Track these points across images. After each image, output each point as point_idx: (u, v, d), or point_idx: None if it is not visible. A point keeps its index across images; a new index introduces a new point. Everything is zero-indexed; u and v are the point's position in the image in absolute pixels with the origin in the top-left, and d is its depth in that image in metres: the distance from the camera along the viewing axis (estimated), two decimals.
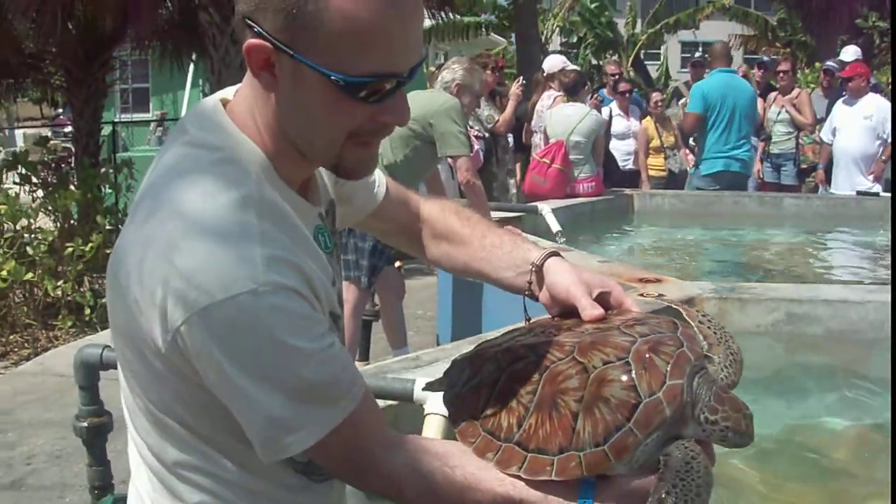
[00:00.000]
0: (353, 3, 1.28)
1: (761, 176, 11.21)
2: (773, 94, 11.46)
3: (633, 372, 1.45)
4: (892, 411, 2.97)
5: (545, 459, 1.44)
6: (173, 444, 1.46)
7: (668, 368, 1.45)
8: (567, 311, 1.67)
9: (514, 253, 1.80)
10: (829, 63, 11.97)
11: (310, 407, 1.36)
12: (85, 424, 2.96)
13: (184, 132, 1.48)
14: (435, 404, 2.33)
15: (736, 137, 9.29)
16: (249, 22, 1.33)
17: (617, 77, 11.68)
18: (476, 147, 7.61)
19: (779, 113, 11.00)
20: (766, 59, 11.86)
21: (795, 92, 11.13)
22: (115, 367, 2.83)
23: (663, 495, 1.36)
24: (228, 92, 1.54)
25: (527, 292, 1.76)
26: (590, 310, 1.61)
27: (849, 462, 3.85)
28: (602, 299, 1.65)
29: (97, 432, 2.98)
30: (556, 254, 1.76)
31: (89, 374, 2.93)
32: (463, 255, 1.87)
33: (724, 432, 1.44)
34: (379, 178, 1.87)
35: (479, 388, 1.58)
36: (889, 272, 6.84)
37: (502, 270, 1.81)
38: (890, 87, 11.59)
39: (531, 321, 1.75)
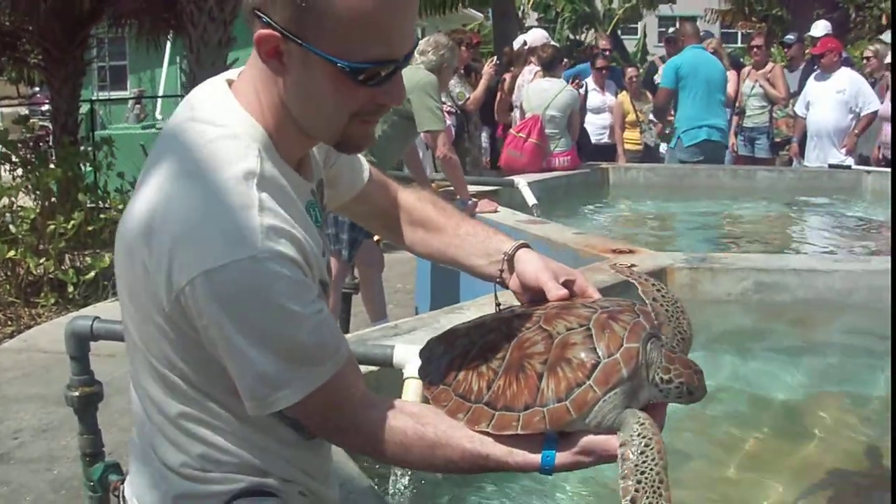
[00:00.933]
0: None
1: (736, 149, 11.32)
2: (746, 69, 11.57)
3: (594, 336, 1.59)
4: (892, 410, 3.08)
5: (512, 416, 1.57)
6: (176, 399, 1.57)
7: (626, 334, 1.58)
8: (535, 299, 1.81)
9: (487, 242, 1.93)
10: (787, 36, 12.09)
11: (298, 366, 1.47)
12: (76, 394, 3.05)
13: (191, 108, 1.58)
14: (413, 368, 2.45)
15: (712, 107, 9.43)
16: (259, 13, 1.45)
17: (604, 52, 11.73)
18: (448, 122, 7.68)
19: (752, 87, 11.09)
20: (791, 36, 11.94)
21: (769, 66, 11.21)
22: (105, 339, 2.95)
23: (634, 492, 1.49)
24: (233, 73, 1.65)
25: (498, 279, 1.89)
26: (555, 291, 1.75)
27: (814, 424, 3.98)
28: (567, 286, 1.79)
29: (88, 401, 3.08)
30: (526, 245, 1.90)
31: (80, 344, 3.02)
32: (438, 242, 1.99)
33: (680, 388, 1.57)
34: (363, 163, 1.98)
35: (451, 359, 1.72)
36: (881, 245, 6.98)
37: (475, 258, 1.93)
38: (863, 60, 11.66)
39: (501, 307, 1.89)
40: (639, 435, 1.52)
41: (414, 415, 1.59)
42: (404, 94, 1.58)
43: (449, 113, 8.49)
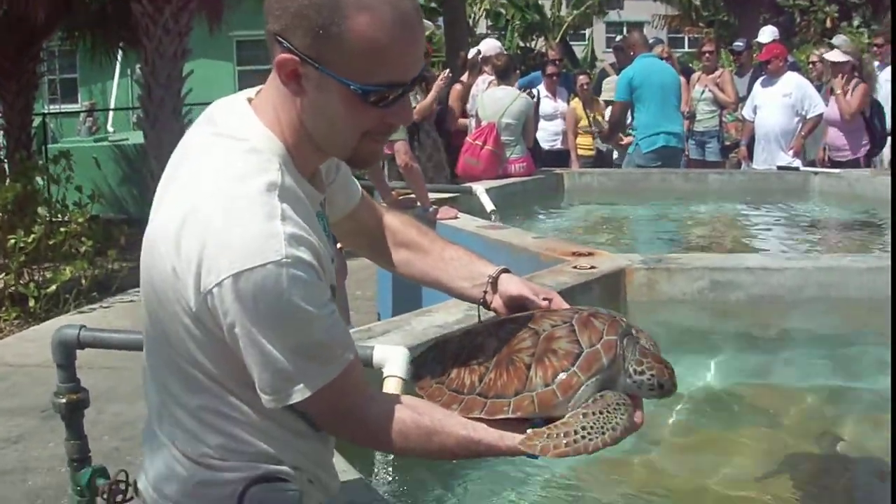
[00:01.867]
0: (370, 26, 1.53)
1: (687, 153, 11.48)
2: (696, 74, 11.78)
3: (576, 330, 1.78)
4: (892, 409, 3.21)
5: (503, 402, 1.73)
6: (196, 393, 1.69)
7: (605, 328, 1.77)
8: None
9: (470, 266, 2.10)
10: (736, 43, 12.27)
11: (311, 363, 1.61)
12: (63, 401, 3.12)
13: (212, 124, 1.72)
14: (392, 367, 2.59)
15: (668, 113, 9.60)
16: (280, 39, 1.59)
17: (554, 61, 11.86)
18: None
19: (702, 92, 11.27)
20: (740, 43, 12.08)
21: (718, 71, 11.41)
22: (92, 346, 3.05)
23: (588, 412, 1.67)
24: (251, 92, 1.78)
25: (481, 300, 2.06)
26: (537, 303, 1.97)
27: (768, 417, 4.12)
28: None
29: (75, 408, 3.15)
30: (507, 270, 2.08)
31: (67, 352, 3.10)
32: (421, 264, 2.15)
33: (651, 381, 1.74)
34: (356, 184, 2.12)
35: (444, 361, 1.89)
36: (829, 243, 7.16)
37: (459, 280, 2.10)
38: (809, 65, 11.90)
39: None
40: (617, 396, 1.71)
41: (411, 406, 1.73)
42: (412, 115, 1.73)
43: None
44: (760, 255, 6.08)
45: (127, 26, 11.90)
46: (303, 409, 1.68)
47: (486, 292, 2.05)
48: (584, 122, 11.33)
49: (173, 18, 10.58)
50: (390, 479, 3.01)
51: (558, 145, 11.26)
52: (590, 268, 4.57)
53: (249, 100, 1.74)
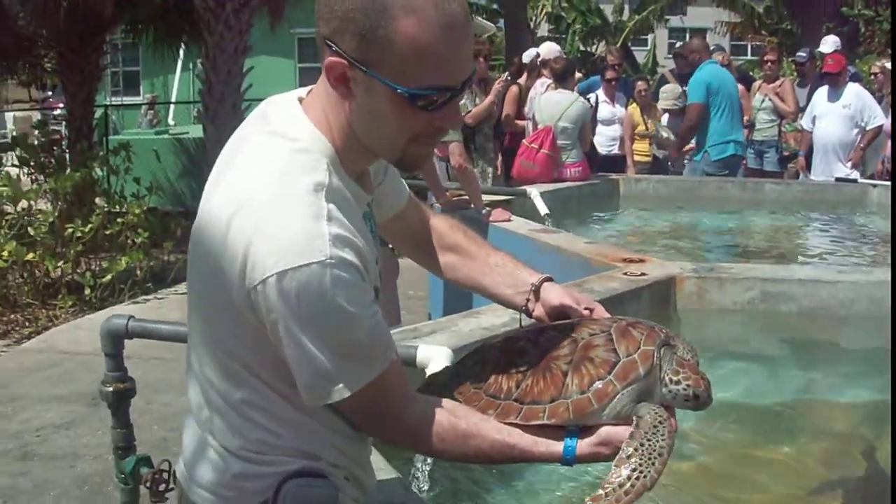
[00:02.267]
0: (416, 28, 1.54)
1: (745, 162, 11.39)
2: (757, 83, 11.67)
3: (614, 339, 1.78)
4: (892, 409, 3.18)
5: (539, 408, 1.74)
6: (238, 387, 1.71)
7: (643, 338, 1.78)
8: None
9: (515, 274, 2.12)
10: (799, 53, 12.11)
11: (352, 363, 1.62)
12: (110, 389, 3.17)
13: (266, 122, 1.73)
14: (435, 368, 2.59)
15: (737, 122, 9.66)
16: (329, 42, 1.60)
17: (614, 66, 11.79)
18: None
19: (763, 101, 11.18)
20: (803, 53, 11.92)
21: (779, 81, 11.31)
22: (139, 337, 3.09)
23: (631, 451, 1.66)
24: (302, 91, 1.79)
25: (524, 308, 2.08)
26: (579, 312, 1.98)
27: (819, 431, 4.09)
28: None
29: (122, 396, 3.20)
30: (550, 278, 2.09)
31: (115, 342, 3.15)
32: (466, 269, 2.17)
33: (687, 391, 1.74)
34: (404, 185, 2.14)
35: (483, 366, 1.89)
36: (884, 257, 7.07)
37: (503, 287, 2.12)
38: (871, 76, 11.74)
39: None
40: (654, 413, 1.69)
41: (449, 409, 1.74)
42: (462, 119, 1.73)
43: None
44: (812, 267, 6.02)
45: (189, 21, 12.04)
46: (341, 408, 1.70)
47: (528, 300, 2.06)
48: (641, 128, 11.27)
49: (234, 15, 10.66)
50: (427, 478, 3.02)
51: (615, 150, 11.19)
52: (640, 275, 4.55)
53: (300, 99, 1.76)
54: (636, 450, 1.66)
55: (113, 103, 22.42)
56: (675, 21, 39.46)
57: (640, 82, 12.06)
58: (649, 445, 1.66)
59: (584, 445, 1.71)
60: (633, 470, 1.64)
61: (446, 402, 1.78)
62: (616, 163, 10.87)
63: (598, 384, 1.71)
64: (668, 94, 11.00)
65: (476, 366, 1.91)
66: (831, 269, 5.23)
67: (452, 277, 2.20)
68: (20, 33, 12.85)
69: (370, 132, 1.68)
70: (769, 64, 11.45)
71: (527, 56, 10.61)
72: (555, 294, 2.03)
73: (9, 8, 11.76)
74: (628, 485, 1.64)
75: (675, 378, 1.74)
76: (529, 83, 10.20)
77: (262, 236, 1.56)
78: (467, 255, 2.16)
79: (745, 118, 10.85)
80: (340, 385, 1.62)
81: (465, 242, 2.18)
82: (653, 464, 1.65)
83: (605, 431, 1.71)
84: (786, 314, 4.59)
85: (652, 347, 1.75)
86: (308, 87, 1.79)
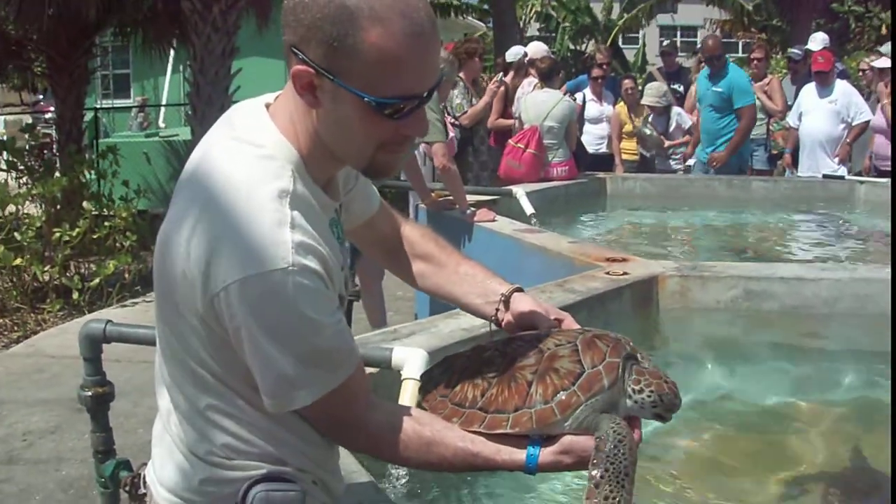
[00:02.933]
0: (383, 38, 1.54)
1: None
2: None
3: (580, 351, 1.79)
4: (892, 409, 3.19)
5: (502, 417, 1.75)
6: (204, 393, 1.72)
7: (608, 350, 1.79)
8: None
9: (485, 283, 2.13)
10: (793, 51, 12.10)
11: (315, 370, 1.63)
12: (89, 394, 3.18)
13: (232, 128, 1.74)
14: (410, 370, 2.60)
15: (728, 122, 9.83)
16: (296, 50, 1.60)
17: (601, 65, 11.77)
18: (451, 135, 7.81)
19: None
20: (798, 51, 11.91)
21: (767, 79, 11.28)
22: (117, 341, 3.09)
23: (599, 478, 1.66)
24: (270, 97, 1.80)
25: (493, 318, 2.09)
26: (547, 324, 1.99)
27: (803, 429, 4.09)
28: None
29: (100, 401, 3.21)
30: (520, 289, 2.10)
31: (93, 346, 3.16)
32: (436, 277, 2.18)
33: (651, 396, 1.75)
34: (375, 192, 2.14)
35: (450, 375, 1.91)
36: (870, 253, 7.07)
37: (473, 296, 2.13)
38: (859, 72, 11.75)
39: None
40: (614, 431, 1.69)
41: (412, 417, 1.75)
42: (427, 127, 1.74)
43: (452, 125, 8.61)
44: (795, 265, 6.02)
45: (178, 23, 12.01)
46: (304, 415, 1.71)
47: (498, 309, 2.07)
48: (628, 127, 11.29)
49: (222, 16, 10.63)
50: (400, 480, 3.03)
51: (603, 149, 11.22)
52: (622, 274, 4.56)
53: (268, 105, 1.76)
54: (602, 477, 1.65)
55: (103, 106, 22.37)
56: (665, 19, 39.47)
57: (626, 80, 12.06)
58: (614, 469, 1.66)
59: (546, 454, 1.72)
60: (606, 499, 1.64)
61: (410, 409, 1.80)
62: (604, 161, 10.90)
63: (562, 395, 1.72)
64: (653, 91, 10.98)
65: (443, 374, 1.92)
66: (814, 266, 5.23)
67: (423, 286, 2.21)
68: (9, 37, 12.84)
69: (337, 140, 1.68)
70: (756, 62, 11.44)
71: (511, 55, 10.60)
72: (524, 304, 2.04)
73: None
74: None
75: (636, 388, 1.75)
76: (517, 82, 10.20)
77: (224, 243, 1.56)
78: (438, 264, 2.17)
79: None
80: (303, 391, 1.62)
81: (436, 251, 2.19)
82: (622, 486, 1.65)
83: (568, 440, 1.72)
84: (769, 312, 4.60)
85: (617, 359, 1.76)
86: (276, 93, 1.79)
